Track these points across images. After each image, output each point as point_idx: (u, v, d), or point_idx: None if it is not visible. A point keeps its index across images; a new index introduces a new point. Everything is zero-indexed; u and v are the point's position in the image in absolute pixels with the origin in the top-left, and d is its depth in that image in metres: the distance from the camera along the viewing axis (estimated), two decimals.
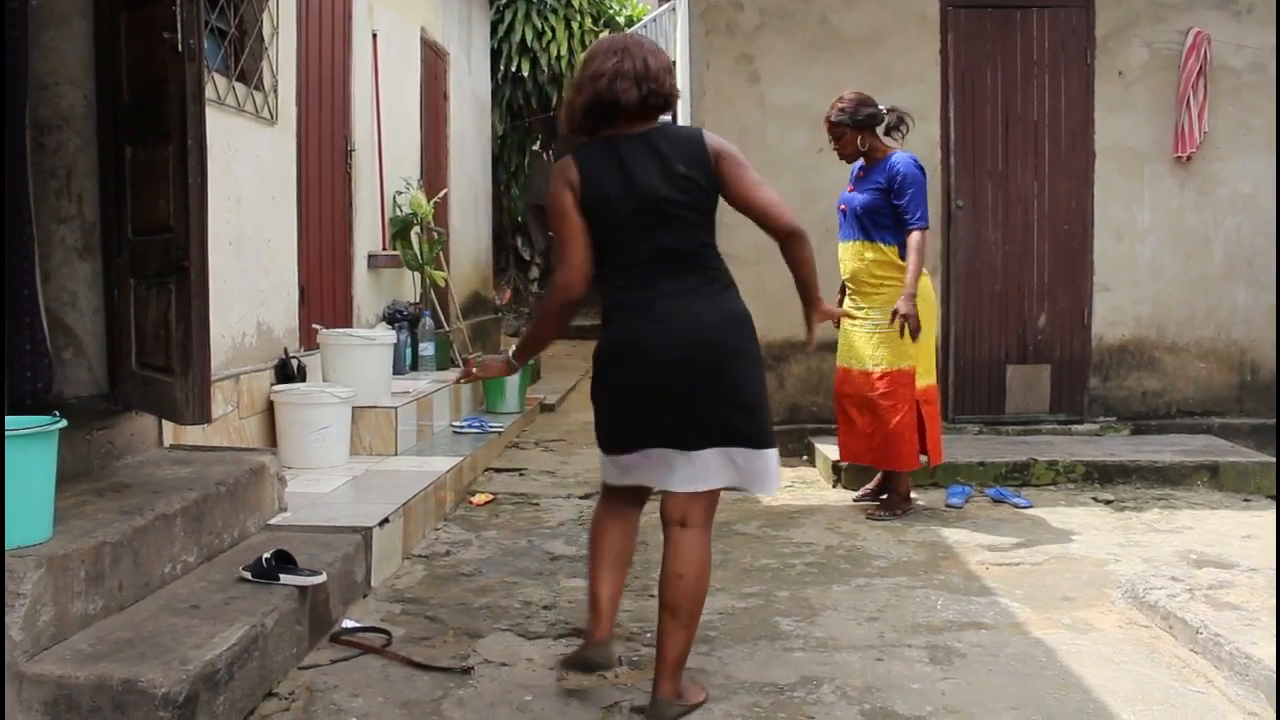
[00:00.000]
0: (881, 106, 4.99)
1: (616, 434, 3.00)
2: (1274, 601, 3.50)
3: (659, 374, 2.87)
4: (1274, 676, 2.93)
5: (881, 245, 4.97)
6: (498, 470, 6.13)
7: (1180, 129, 6.61)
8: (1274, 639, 3.16)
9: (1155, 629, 3.56)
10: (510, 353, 3.18)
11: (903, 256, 4.93)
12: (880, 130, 5.02)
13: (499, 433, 6.59)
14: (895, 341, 4.96)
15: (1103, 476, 5.75)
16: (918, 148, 6.56)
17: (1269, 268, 6.68)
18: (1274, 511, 5.22)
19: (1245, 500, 5.49)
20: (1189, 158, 6.63)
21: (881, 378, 5.02)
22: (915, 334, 4.86)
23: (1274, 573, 3.79)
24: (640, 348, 2.89)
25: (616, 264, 2.95)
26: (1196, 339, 6.76)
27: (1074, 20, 6.64)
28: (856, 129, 4.96)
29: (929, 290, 5.07)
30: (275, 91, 5.35)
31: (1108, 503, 5.38)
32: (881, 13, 6.62)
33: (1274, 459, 5.85)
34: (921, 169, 4.99)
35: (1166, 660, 3.33)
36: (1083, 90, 6.65)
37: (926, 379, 5.09)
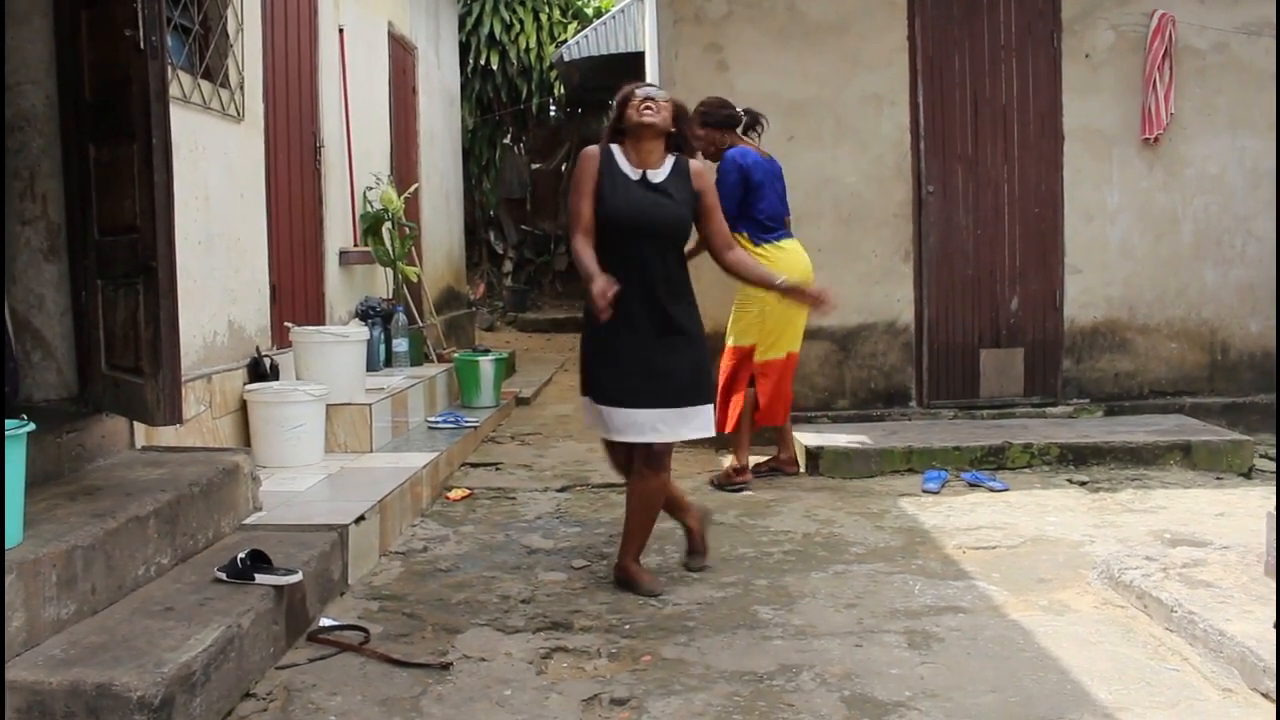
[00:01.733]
0: (738, 109, 5.52)
1: None
2: (1247, 578, 3.53)
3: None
4: (1246, 651, 2.96)
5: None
6: (474, 465, 6.11)
7: (1147, 111, 6.65)
8: (1246, 615, 3.19)
9: (1131, 609, 3.59)
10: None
11: (754, 242, 5.36)
12: (740, 130, 5.53)
13: (475, 427, 6.57)
14: (740, 322, 5.52)
15: (1077, 458, 5.79)
16: (888, 133, 6.63)
17: (1237, 246, 6.74)
18: (1245, 490, 5.28)
19: (1218, 479, 5.54)
20: (1156, 139, 6.67)
21: (729, 352, 5.56)
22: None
23: (1246, 550, 3.83)
24: None
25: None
26: (1167, 319, 6.81)
27: (1040, 4, 6.66)
28: (710, 129, 5.45)
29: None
30: (241, 88, 5.30)
31: (1082, 484, 5.42)
32: None
33: (1245, 437, 5.91)
34: (729, 170, 5.34)
35: (1142, 639, 3.36)
36: (1050, 73, 6.68)
37: (770, 354, 5.50)
